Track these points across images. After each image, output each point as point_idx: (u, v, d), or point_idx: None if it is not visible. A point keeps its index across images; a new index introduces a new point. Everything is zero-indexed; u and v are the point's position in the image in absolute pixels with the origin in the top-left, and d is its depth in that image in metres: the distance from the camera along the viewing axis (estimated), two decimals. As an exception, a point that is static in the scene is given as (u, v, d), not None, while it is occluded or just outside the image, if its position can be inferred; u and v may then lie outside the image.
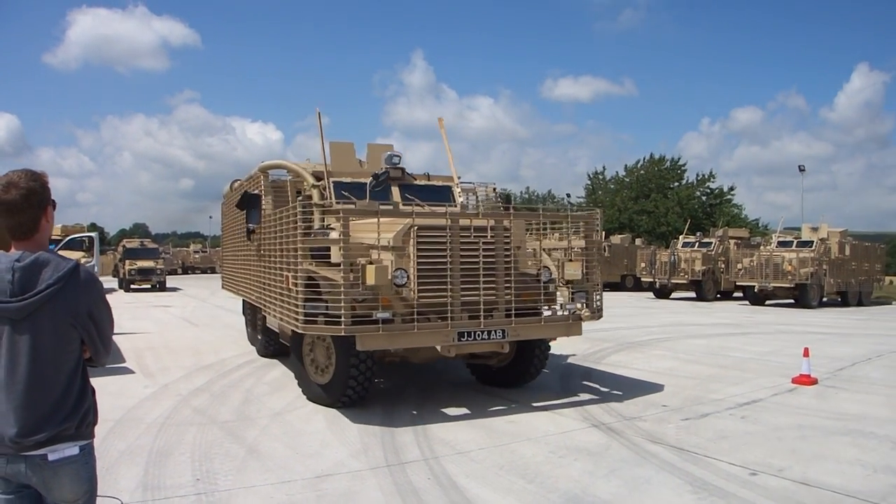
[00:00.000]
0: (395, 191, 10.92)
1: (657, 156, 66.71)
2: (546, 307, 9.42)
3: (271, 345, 12.77)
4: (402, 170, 11.20)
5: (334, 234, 8.56)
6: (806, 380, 10.73)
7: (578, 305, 9.64)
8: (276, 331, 11.75)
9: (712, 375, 11.12)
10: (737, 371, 11.65)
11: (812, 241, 29.70)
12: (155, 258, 39.50)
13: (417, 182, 11.54)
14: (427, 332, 8.38)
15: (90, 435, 2.98)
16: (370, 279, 7.95)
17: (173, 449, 7.11)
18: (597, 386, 10.57)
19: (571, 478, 6.35)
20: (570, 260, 9.84)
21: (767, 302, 29.83)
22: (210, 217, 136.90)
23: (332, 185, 10.45)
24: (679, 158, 67.75)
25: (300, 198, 9.91)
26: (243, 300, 14.98)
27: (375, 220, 8.18)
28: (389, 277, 8.12)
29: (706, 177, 64.80)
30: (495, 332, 8.73)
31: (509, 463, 6.79)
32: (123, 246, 42.97)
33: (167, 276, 41.09)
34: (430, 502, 5.70)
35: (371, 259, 8.34)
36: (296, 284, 8.58)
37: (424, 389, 10.34)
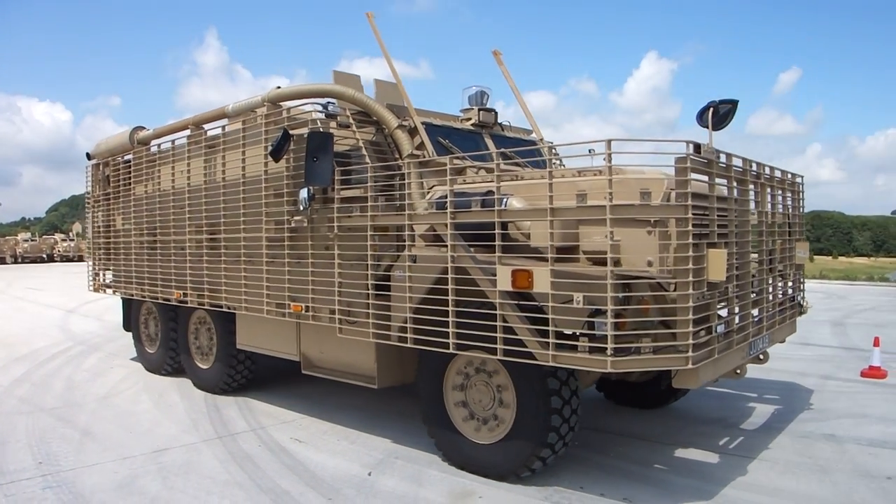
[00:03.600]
0: (490, 142, 8.38)
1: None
2: None
3: (240, 374, 9.16)
4: (496, 114, 8.72)
5: (516, 203, 5.63)
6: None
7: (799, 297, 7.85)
8: (260, 353, 8.60)
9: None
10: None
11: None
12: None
13: (506, 133, 8.89)
14: (737, 351, 5.87)
15: None
16: (716, 273, 5.11)
17: (7, 437, 7.29)
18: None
19: (387, 437, 7.19)
20: (800, 239, 7.78)
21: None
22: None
23: (423, 129, 7.46)
24: (476, 142, 69.10)
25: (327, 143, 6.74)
26: (132, 308, 11.33)
27: (550, 180, 5.28)
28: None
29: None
30: (764, 339, 6.58)
31: (331, 429, 7.54)
32: None
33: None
34: (265, 466, 6.33)
35: (708, 245, 5.20)
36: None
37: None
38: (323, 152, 6.64)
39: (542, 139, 9.25)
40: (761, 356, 6.63)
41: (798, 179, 7.76)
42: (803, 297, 7.95)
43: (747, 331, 6.04)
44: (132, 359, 11.59)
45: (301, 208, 7.12)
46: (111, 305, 19.80)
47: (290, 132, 7.12)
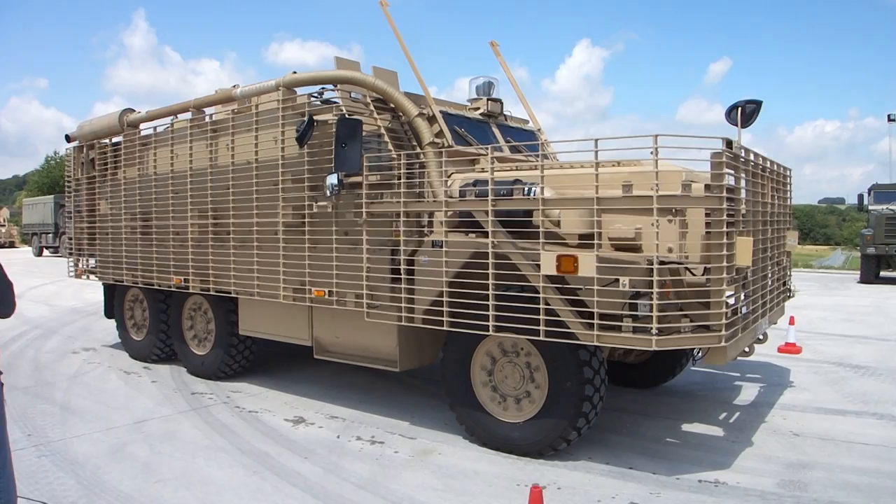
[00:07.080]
0: (497, 132, 8.59)
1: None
2: None
3: (239, 360, 9.18)
4: (502, 104, 8.89)
5: (546, 192, 5.84)
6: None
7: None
8: (266, 339, 8.69)
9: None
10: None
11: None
12: None
13: (510, 123, 9.14)
14: (749, 333, 6.28)
15: None
16: (744, 258, 5.55)
17: (-11, 413, 7.72)
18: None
19: (347, 406, 7.89)
20: (789, 228, 8.20)
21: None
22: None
23: (442, 118, 7.64)
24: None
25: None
26: (115, 294, 11.20)
27: (589, 170, 5.66)
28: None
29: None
30: (766, 321, 7.04)
31: (294, 400, 8.23)
32: None
33: None
34: (241, 433, 6.96)
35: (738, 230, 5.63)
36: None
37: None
38: (352, 139, 6.63)
39: (539, 129, 9.56)
40: (761, 336, 7.02)
41: (788, 172, 8.12)
42: (791, 282, 8.51)
43: (757, 312, 6.46)
44: (92, 341, 12.08)
45: (328, 194, 7.09)
46: (57, 291, 20.08)
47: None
